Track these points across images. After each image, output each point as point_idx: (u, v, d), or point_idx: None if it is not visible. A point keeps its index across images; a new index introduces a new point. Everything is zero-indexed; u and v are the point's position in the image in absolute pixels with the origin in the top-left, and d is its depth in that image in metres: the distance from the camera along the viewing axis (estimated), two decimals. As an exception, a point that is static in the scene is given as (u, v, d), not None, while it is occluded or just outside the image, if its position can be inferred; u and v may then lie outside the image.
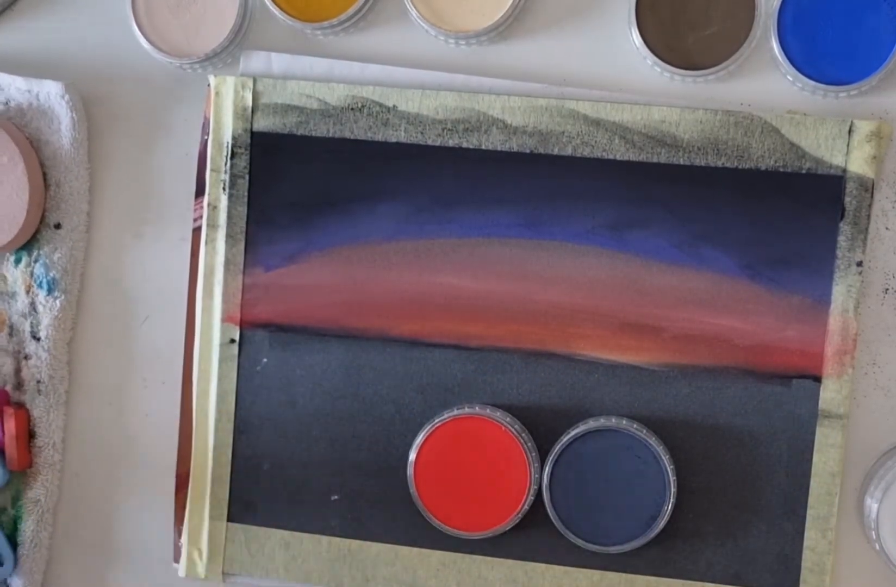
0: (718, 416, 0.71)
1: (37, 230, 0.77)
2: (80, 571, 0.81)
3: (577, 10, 0.73)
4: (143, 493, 0.79)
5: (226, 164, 0.75)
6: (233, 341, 0.76)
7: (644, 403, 0.72)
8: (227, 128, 0.75)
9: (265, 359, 0.76)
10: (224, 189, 0.75)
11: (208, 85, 0.75)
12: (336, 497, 0.75)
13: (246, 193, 0.75)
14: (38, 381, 0.78)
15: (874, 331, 0.71)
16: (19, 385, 0.78)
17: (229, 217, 0.75)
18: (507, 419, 0.72)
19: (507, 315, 0.73)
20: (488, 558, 0.74)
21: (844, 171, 0.69)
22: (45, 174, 0.77)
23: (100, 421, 0.80)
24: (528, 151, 0.72)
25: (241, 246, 0.75)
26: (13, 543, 0.79)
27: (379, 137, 0.73)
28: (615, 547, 0.71)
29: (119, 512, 0.80)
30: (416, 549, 0.74)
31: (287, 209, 0.75)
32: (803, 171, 0.70)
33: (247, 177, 0.75)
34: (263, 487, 0.76)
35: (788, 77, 0.70)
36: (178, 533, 0.78)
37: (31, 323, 0.78)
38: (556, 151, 0.72)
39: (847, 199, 0.69)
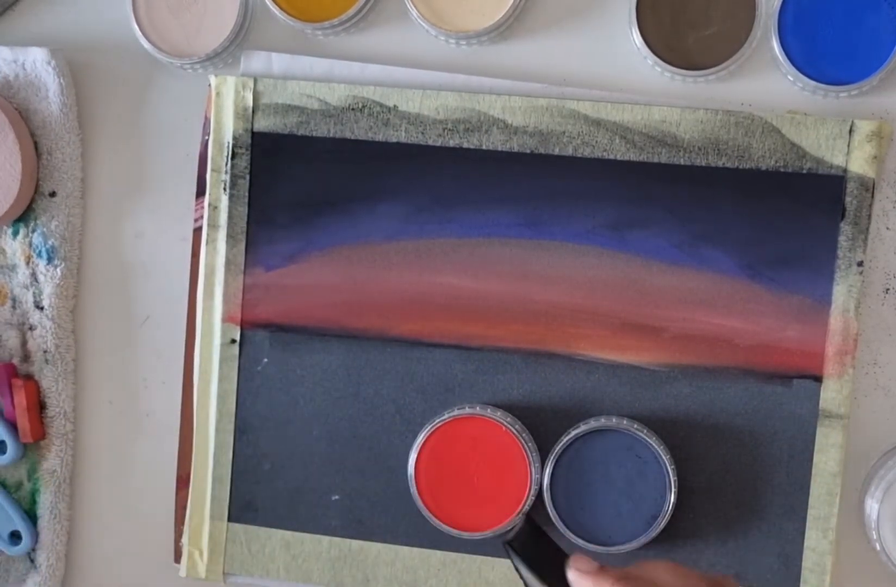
0: (719, 416, 0.71)
1: (32, 200, 0.78)
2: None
3: (577, 10, 0.73)
4: (144, 493, 0.79)
5: (226, 164, 0.75)
6: (233, 341, 0.76)
7: (644, 403, 0.72)
8: (227, 128, 0.75)
9: (266, 359, 0.76)
10: (225, 189, 0.75)
11: (209, 85, 0.75)
12: (336, 497, 0.75)
13: (247, 193, 0.75)
14: (45, 351, 0.78)
15: (875, 331, 0.71)
16: (26, 357, 0.79)
17: (230, 217, 0.75)
18: (508, 419, 0.72)
19: (507, 315, 0.73)
20: (489, 558, 0.74)
21: (845, 170, 0.69)
22: (36, 143, 0.77)
23: (100, 413, 0.80)
24: (528, 151, 0.72)
25: (242, 246, 0.75)
26: (32, 518, 0.79)
27: (379, 137, 0.73)
28: (616, 547, 0.71)
29: (120, 509, 0.80)
30: (416, 549, 0.74)
31: (288, 209, 0.75)
32: (804, 171, 0.70)
33: (247, 177, 0.75)
34: (264, 487, 0.76)
35: (789, 77, 0.70)
36: (179, 533, 0.78)
37: (34, 293, 0.78)
38: (556, 151, 0.72)
39: (848, 199, 0.69)
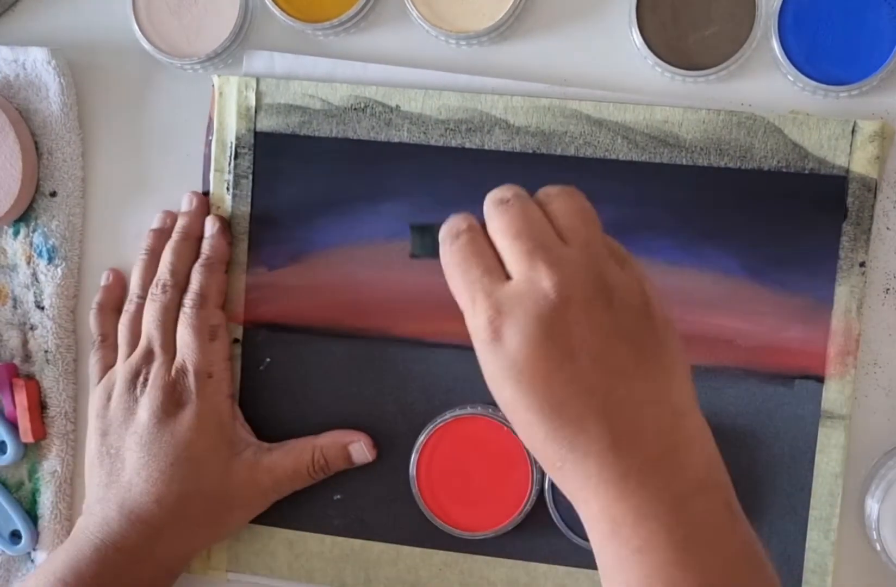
0: (720, 417, 0.71)
1: (32, 200, 0.78)
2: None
3: (577, 11, 0.73)
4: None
5: (230, 164, 0.75)
6: (236, 341, 0.75)
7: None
8: (230, 128, 0.75)
9: (268, 359, 0.76)
10: (228, 189, 0.75)
11: (212, 85, 0.75)
12: (339, 496, 0.75)
13: (249, 193, 0.75)
14: (46, 351, 0.78)
15: (875, 332, 0.71)
16: (27, 357, 0.79)
17: (233, 217, 0.75)
18: (510, 419, 0.72)
19: (509, 315, 0.73)
20: (490, 558, 0.74)
21: (847, 171, 0.69)
22: (36, 143, 0.77)
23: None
24: (530, 151, 0.72)
25: (245, 245, 0.75)
26: (33, 518, 0.79)
27: (382, 137, 0.73)
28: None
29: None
30: (418, 549, 0.74)
31: (290, 209, 0.75)
32: (806, 172, 0.70)
33: (250, 177, 0.75)
34: (266, 487, 0.76)
35: (789, 77, 0.70)
36: (181, 532, 0.78)
37: (35, 293, 0.78)
38: (558, 151, 0.72)
39: (850, 200, 0.69)
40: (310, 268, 0.75)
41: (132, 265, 0.76)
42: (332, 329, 0.75)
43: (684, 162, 0.71)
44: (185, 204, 0.75)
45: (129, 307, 0.74)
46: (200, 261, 0.73)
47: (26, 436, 0.77)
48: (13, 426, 0.78)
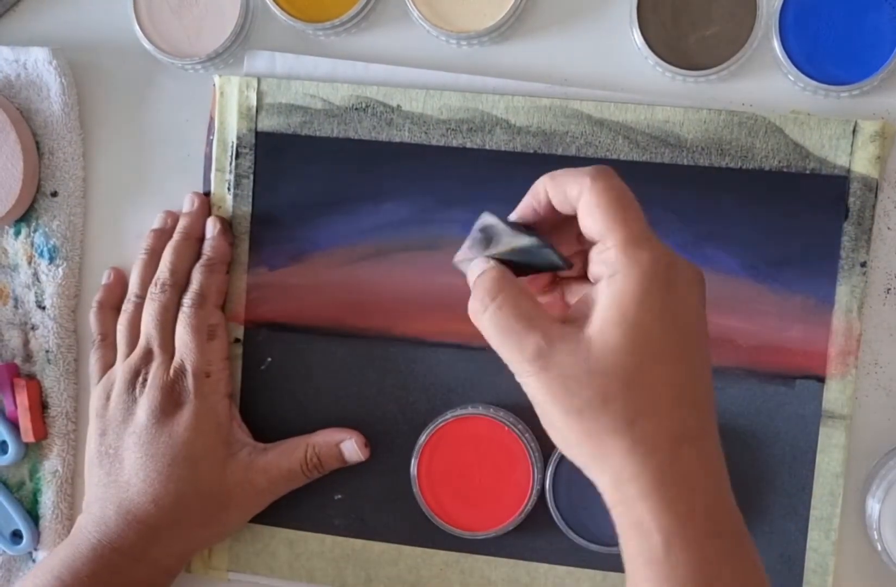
0: (721, 417, 0.70)
1: (34, 200, 0.78)
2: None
3: (578, 11, 0.73)
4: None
5: (230, 163, 0.75)
6: (237, 340, 0.75)
7: (647, 403, 0.72)
8: (231, 128, 0.75)
9: (269, 359, 0.76)
10: (229, 189, 0.75)
11: (213, 85, 0.75)
12: (339, 496, 0.75)
13: (250, 193, 0.75)
14: (47, 351, 0.78)
15: (876, 331, 0.71)
16: (28, 357, 0.79)
17: (234, 217, 0.75)
18: (511, 419, 0.72)
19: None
20: (491, 558, 0.74)
21: (848, 171, 0.69)
22: (37, 143, 0.77)
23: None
24: (532, 151, 0.72)
25: (246, 245, 0.75)
26: (34, 517, 0.79)
27: (383, 137, 0.73)
28: (618, 547, 0.70)
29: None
30: (419, 549, 0.74)
31: (291, 209, 0.75)
32: (807, 172, 0.70)
33: (251, 177, 0.75)
34: (266, 486, 0.76)
35: (790, 77, 0.70)
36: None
37: (36, 293, 0.78)
38: (559, 151, 0.72)
39: (851, 200, 0.69)
40: (311, 267, 0.75)
41: (132, 266, 0.76)
42: (333, 329, 0.75)
43: (685, 162, 0.71)
44: (186, 204, 0.75)
45: (127, 307, 0.74)
46: (201, 261, 0.73)
47: (27, 435, 0.77)
48: (14, 426, 0.78)
